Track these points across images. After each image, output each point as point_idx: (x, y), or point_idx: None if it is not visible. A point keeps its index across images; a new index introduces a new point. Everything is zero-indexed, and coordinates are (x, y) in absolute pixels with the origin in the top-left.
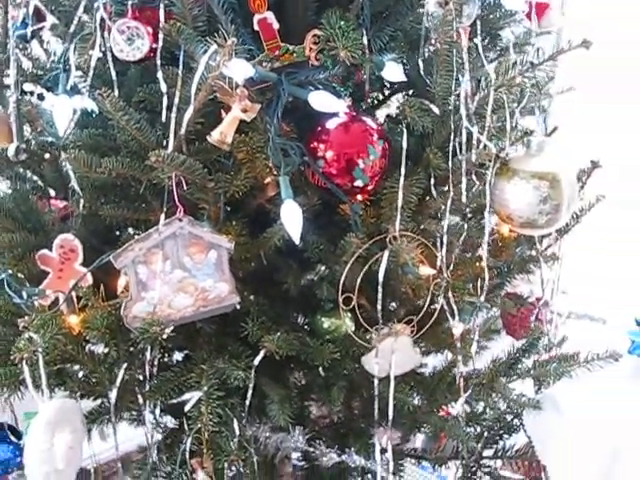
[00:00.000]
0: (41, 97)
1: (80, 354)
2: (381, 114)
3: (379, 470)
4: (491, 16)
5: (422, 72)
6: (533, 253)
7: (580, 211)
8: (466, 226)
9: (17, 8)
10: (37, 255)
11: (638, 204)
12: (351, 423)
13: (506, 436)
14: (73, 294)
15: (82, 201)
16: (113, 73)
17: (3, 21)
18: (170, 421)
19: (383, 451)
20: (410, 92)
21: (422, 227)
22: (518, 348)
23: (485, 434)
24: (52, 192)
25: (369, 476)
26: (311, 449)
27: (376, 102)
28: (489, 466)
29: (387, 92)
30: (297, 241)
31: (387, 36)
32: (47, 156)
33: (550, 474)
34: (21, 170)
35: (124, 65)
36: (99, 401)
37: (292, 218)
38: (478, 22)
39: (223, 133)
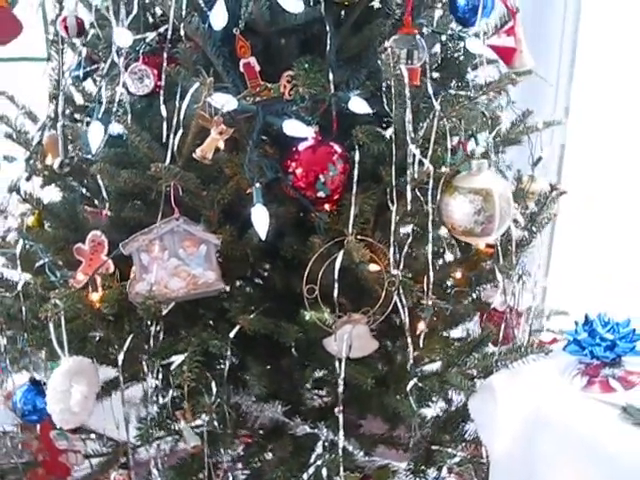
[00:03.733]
0: (88, 123)
1: (96, 323)
2: None
3: (341, 441)
4: (460, 59)
5: (385, 105)
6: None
7: (538, 228)
8: (411, 234)
9: (76, 54)
10: (74, 247)
11: None
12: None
13: (462, 423)
14: (97, 277)
15: (107, 205)
16: (127, 105)
17: (58, 66)
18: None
19: (355, 428)
20: None
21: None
22: (469, 342)
23: (438, 416)
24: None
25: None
26: (287, 420)
27: None
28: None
29: None
30: (263, 238)
31: (364, 75)
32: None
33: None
34: (71, 182)
35: (148, 99)
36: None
37: (260, 219)
38: (427, 64)
39: (204, 150)
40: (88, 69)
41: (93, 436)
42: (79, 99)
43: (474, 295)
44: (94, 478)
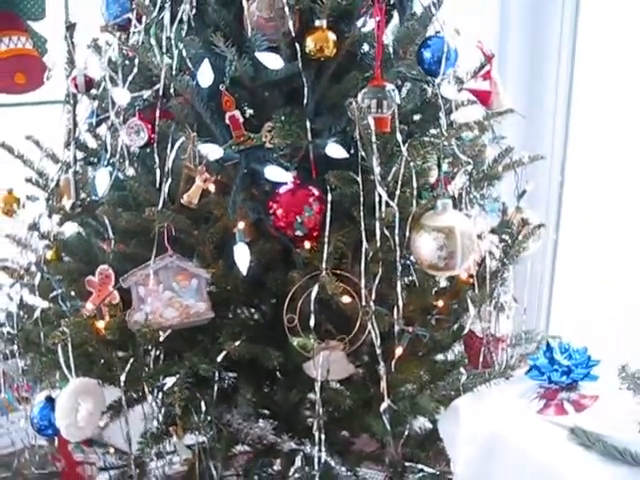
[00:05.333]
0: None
1: (101, 348)
2: None
3: (317, 456)
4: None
5: (360, 151)
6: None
7: (510, 261)
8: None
9: (90, 103)
10: (85, 279)
11: None
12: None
13: (439, 441)
14: (104, 306)
15: (113, 242)
16: (126, 153)
17: (72, 115)
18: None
19: (347, 445)
20: None
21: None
22: (441, 367)
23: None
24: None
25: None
26: (275, 437)
27: None
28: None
29: None
30: (244, 273)
31: (344, 122)
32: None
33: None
34: (86, 219)
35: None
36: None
37: (241, 256)
38: (396, 111)
39: (190, 196)
40: (102, 117)
41: (112, 450)
42: (93, 143)
43: (458, 322)
44: None
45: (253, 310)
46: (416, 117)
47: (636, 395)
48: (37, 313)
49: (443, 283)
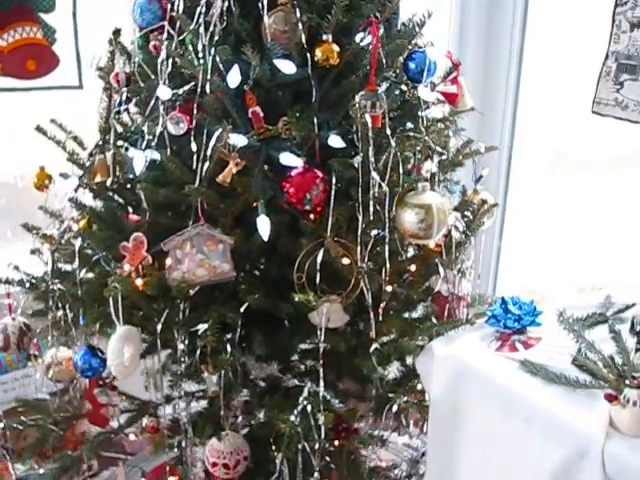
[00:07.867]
0: (127, 148)
1: (141, 301)
2: None
3: (321, 391)
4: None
5: (357, 142)
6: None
7: (472, 233)
8: (374, 236)
9: (117, 94)
10: (120, 245)
11: None
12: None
13: (414, 379)
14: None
15: (148, 214)
16: (167, 140)
17: (107, 104)
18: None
19: (334, 386)
20: None
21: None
22: (417, 317)
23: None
24: (130, 209)
25: None
26: (281, 375)
27: None
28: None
29: None
30: (265, 239)
31: (341, 117)
32: (129, 186)
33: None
34: (110, 194)
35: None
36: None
37: (263, 226)
38: (386, 111)
39: (224, 177)
40: (125, 106)
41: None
42: (119, 128)
43: (426, 284)
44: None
45: (263, 270)
46: (394, 113)
47: (569, 334)
48: (81, 274)
49: (411, 252)
